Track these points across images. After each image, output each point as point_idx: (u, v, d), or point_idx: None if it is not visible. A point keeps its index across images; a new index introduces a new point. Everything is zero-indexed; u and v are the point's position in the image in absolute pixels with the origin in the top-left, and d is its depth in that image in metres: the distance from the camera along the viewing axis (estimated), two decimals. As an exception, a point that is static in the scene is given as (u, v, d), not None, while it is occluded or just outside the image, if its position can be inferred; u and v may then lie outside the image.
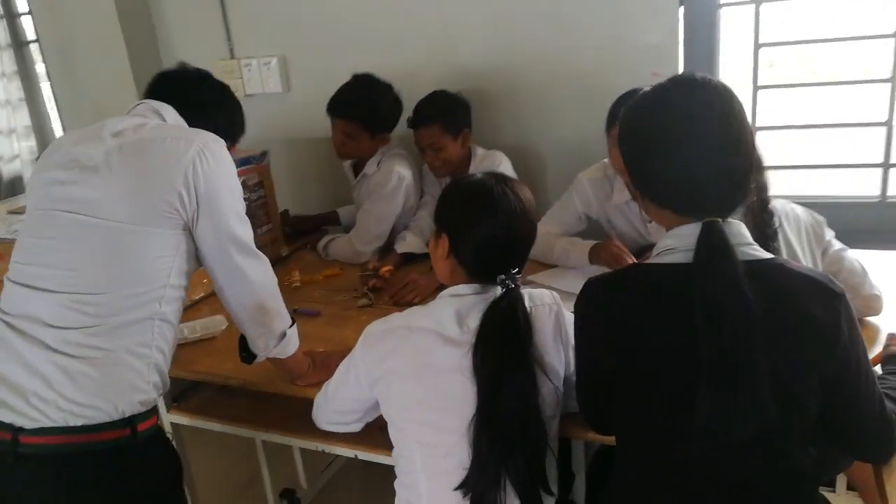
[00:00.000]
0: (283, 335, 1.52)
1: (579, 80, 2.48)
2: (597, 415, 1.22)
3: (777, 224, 1.47)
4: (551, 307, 1.29)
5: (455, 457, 1.20)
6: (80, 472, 1.23)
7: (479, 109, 2.58)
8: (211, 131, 1.45)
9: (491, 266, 1.26)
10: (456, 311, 1.25)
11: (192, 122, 1.50)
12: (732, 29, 2.36)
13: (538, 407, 1.21)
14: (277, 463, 2.18)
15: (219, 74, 2.92)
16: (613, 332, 1.09)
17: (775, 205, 1.56)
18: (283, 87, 2.92)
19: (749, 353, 0.97)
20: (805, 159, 2.57)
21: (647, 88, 1.12)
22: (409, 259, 2.31)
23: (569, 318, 1.23)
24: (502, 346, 1.19)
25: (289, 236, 2.63)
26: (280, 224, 2.47)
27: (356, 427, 1.45)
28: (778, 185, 2.45)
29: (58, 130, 3.61)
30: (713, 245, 1.01)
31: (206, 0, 2.92)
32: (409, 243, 2.35)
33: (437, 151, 2.30)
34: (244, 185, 2.25)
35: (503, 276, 1.24)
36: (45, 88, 3.56)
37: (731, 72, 2.41)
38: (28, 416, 1.22)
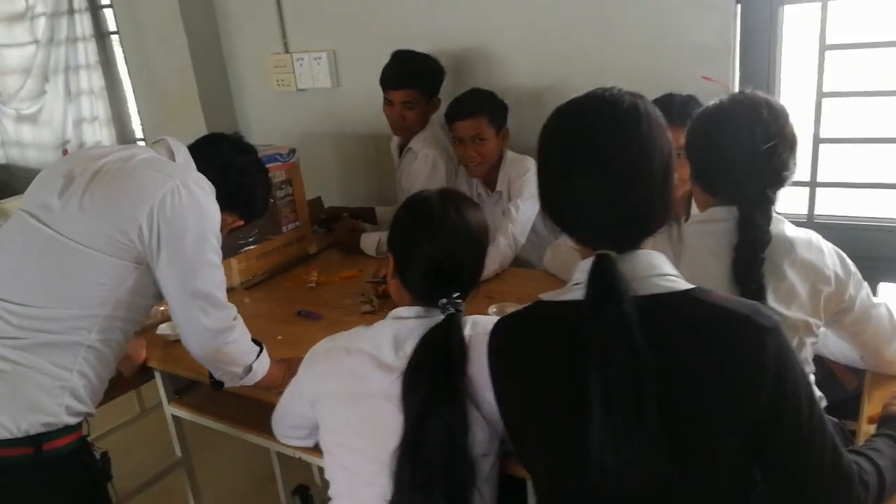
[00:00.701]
0: (249, 369, 1.50)
1: (624, 83, 2.29)
2: (520, 457, 1.12)
3: (764, 255, 1.25)
4: None
5: (377, 487, 1.14)
6: None
7: (519, 111, 2.48)
8: (224, 194, 1.46)
9: (431, 290, 1.18)
10: (394, 334, 1.19)
11: (209, 176, 1.47)
12: (797, 29, 2.13)
13: (466, 444, 1.11)
14: (291, 459, 2.18)
15: (272, 69, 3.03)
16: (513, 374, 1.02)
17: (788, 235, 1.29)
18: (332, 81, 2.92)
19: (637, 401, 0.86)
20: (873, 176, 2.30)
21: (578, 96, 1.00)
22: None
23: None
24: (432, 376, 1.11)
25: (323, 222, 2.65)
26: (308, 221, 2.46)
27: (309, 442, 1.41)
28: (836, 205, 2.24)
29: (135, 119, 3.79)
30: (598, 282, 0.91)
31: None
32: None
33: (480, 143, 2.23)
34: (272, 183, 2.28)
35: (444, 301, 1.16)
36: (126, 78, 3.74)
37: (795, 77, 2.18)
38: None
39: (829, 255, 1.31)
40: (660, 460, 0.86)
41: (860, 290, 1.33)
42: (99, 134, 3.86)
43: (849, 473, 0.95)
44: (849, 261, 1.33)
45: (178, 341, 1.88)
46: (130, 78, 3.61)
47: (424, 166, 2.41)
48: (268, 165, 2.24)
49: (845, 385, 1.60)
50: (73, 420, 1.33)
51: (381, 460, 1.13)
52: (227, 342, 1.44)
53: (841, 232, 2.22)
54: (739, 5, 2.11)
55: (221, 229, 1.50)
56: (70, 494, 1.34)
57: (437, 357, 1.13)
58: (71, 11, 3.65)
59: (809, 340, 1.28)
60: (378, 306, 1.99)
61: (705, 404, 0.89)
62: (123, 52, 3.57)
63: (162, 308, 1.90)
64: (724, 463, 0.90)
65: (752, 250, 1.24)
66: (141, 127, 3.72)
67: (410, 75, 2.37)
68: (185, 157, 1.48)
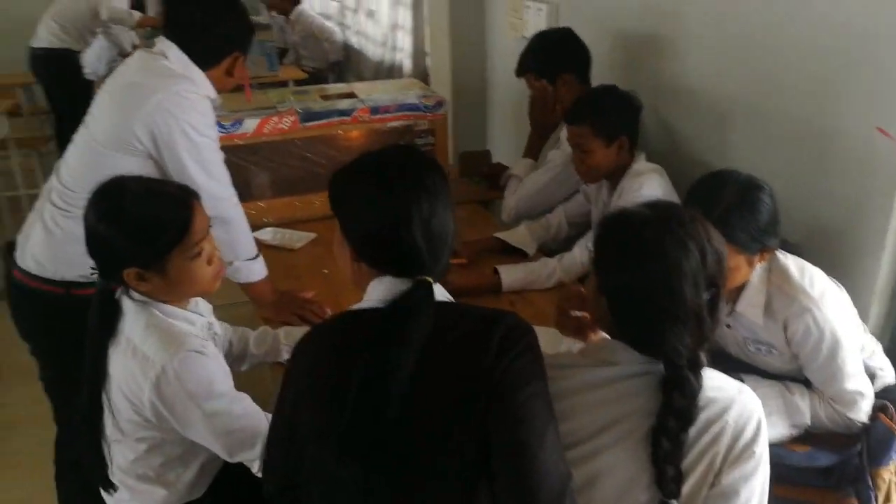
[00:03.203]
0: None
1: (791, 115, 1.84)
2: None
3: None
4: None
5: None
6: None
7: (689, 115, 2.17)
8: (205, 51, 1.75)
9: None
10: None
11: (192, 48, 1.75)
12: None
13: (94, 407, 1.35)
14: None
15: (509, 12, 3.03)
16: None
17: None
18: (547, 37, 2.83)
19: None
20: None
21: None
22: (510, 251, 2.18)
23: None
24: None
25: (485, 175, 2.70)
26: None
27: None
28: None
29: (427, 32, 4.12)
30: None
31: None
32: (513, 233, 2.21)
33: (584, 154, 2.03)
34: (410, 129, 2.43)
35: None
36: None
37: None
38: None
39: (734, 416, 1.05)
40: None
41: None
42: (403, 42, 4.32)
43: None
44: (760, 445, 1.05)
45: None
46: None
47: (559, 158, 2.28)
48: (407, 113, 2.43)
49: None
50: None
51: None
52: (229, 221, 1.76)
53: None
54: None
55: (234, 71, 1.82)
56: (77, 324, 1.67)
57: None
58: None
59: None
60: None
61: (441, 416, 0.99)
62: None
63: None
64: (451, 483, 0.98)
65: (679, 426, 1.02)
66: (429, 39, 4.05)
67: (533, 58, 2.28)
68: (177, 56, 1.75)
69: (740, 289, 1.48)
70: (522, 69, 2.29)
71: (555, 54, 2.27)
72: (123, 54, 4.78)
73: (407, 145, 1.23)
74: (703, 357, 1.07)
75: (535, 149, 2.46)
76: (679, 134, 2.25)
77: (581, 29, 2.49)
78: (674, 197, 2.00)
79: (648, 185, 1.98)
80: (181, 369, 1.27)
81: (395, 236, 1.05)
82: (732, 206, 1.39)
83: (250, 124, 2.24)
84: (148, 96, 1.67)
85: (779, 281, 1.46)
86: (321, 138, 2.34)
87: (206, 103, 1.77)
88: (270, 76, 4.70)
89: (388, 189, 1.06)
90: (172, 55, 1.75)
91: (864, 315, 1.72)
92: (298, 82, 4.79)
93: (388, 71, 4.62)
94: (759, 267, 1.46)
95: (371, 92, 2.55)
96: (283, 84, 4.74)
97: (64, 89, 4.55)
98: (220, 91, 1.85)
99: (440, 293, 1.08)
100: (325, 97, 2.49)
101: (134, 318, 1.33)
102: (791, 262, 1.48)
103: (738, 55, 1.98)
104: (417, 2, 4.09)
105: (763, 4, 1.86)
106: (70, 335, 1.42)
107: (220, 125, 2.16)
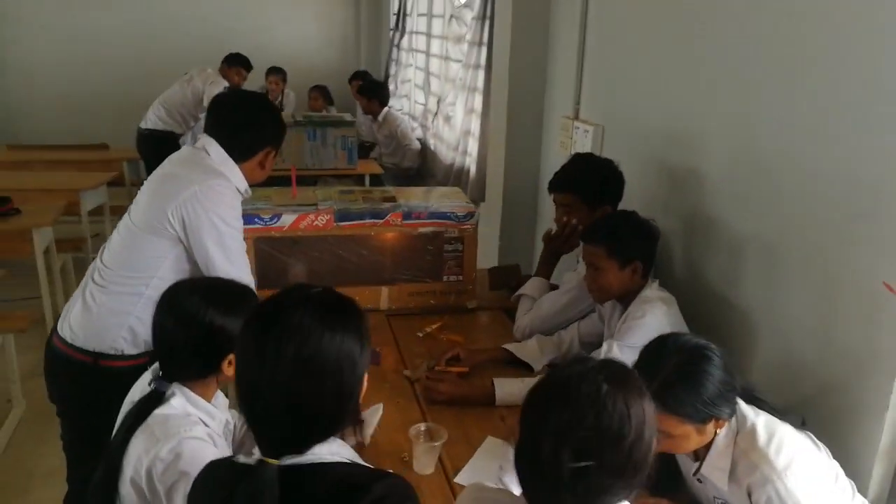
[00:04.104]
0: None
1: (801, 258, 1.83)
2: None
3: None
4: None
5: None
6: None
7: (700, 242, 2.18)
8: (242, 147, 1.96)
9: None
10: None
11: (231, 144, 1.96)
12: None
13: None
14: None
15: (560, 130, 3.15)
16: None
17: None
18: (590, 159, 2.90)
19: None
20: None
21: None
22: (517, 363, 2.19)
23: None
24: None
25: (513, 288, 2.66)
26: (472, 278, 2.60)
27: None
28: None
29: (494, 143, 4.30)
30: None
31: (573, 59, 3.07)
32: (522, 346, 2.23)
33: (597, 273, 2.05)
34: (439, 236, 2.53)
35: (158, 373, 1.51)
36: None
37: None
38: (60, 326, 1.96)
39: None
40: None
41: None
42: (472, 147, 4.50)
43: None
44: None
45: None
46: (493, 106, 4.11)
47: (574, 280, 2.31)
48: (438, 220, 2.53)
49: None
50: (132, 351, 1.90)
51: None
52: None
53: None
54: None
55: (266, 164, 2.01)
56: (100, 392, 1.77)
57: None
58: (480, 43, 4.31)
59: None
60: (417, 376, 2.11)
61: None
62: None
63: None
64: None
65: None
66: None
67: (566, 180, 2.32)
68: (217, 151, 1.95)
69: (707, 448, 1.44)
70: (566, 187, 2.33)
71: (606, 185, 2.31)
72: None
73: (328, 288, 1.14)
74: None
75: (546, 269, 2.49)
76: (696, 263, 2.25)
77: (618, 151, 2.58)
78: (680, 327, 1.98)
79: (652, 313, 1.97)
80: (181, 449, 1.36)
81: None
82: (675, 378, 1.35)
83: (287, 220, 2.40)
84: (185, 187, 1.87)
85: (745, 445, 1.39)
86: (353, 238, 2.47)
87: (236, 197, 1.96)
88: (349, 169, 5.00)
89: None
90: (213, 151, 1.96)
91: (864, 476, 1.63)
92: (374, 177, 5.07)
93: (457, 173, 4.80)
94: (727, 428, 1.41)
95: (411, 197, 2.68)
96: (360, 177, 5.05)
97: (162, 167, 5.01)
98: (252, 182, 2.04)
99: (328, 451, 1.06)
100: (367, 199, 2.63)
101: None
102: (761, 424, 1.41)
103: (754, 192, 1.99)
104: (486, 112, 4.30)
105: (780, 143, 1.88)
106: (93, 404, 1.54)
107: (259, 218, 2.36)
